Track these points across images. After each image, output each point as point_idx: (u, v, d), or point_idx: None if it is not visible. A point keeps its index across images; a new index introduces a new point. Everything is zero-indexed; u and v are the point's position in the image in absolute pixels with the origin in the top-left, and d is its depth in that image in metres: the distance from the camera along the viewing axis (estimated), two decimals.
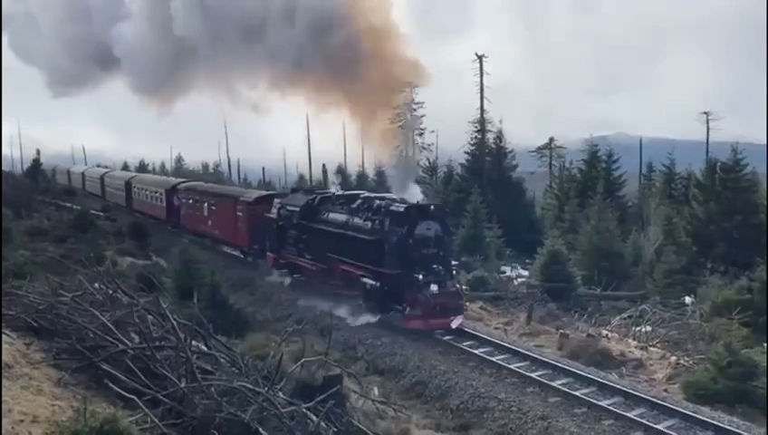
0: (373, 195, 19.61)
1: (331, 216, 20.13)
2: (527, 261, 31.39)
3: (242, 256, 28.86)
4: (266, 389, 8.20)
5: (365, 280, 17.68)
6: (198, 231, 32.89)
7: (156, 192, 39.22)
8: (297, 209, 21.66)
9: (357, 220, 18.63)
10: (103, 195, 52.87)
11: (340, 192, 22.15)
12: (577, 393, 13.23)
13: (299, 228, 21.51)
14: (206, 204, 31.47)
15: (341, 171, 53.64)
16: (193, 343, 9.08)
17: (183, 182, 38.66)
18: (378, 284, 17.19)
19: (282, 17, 21.95)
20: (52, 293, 10.45)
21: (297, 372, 9.57)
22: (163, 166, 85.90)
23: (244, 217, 26.75)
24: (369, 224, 18.04)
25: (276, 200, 24.14)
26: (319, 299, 20.17)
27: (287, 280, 23.18)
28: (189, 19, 24.92)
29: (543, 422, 12.20)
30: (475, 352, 15.94)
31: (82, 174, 64.80)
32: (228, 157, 74.65)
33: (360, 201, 19.20)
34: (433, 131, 55.88)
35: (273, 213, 23.54)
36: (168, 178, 46.17)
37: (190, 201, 33.64)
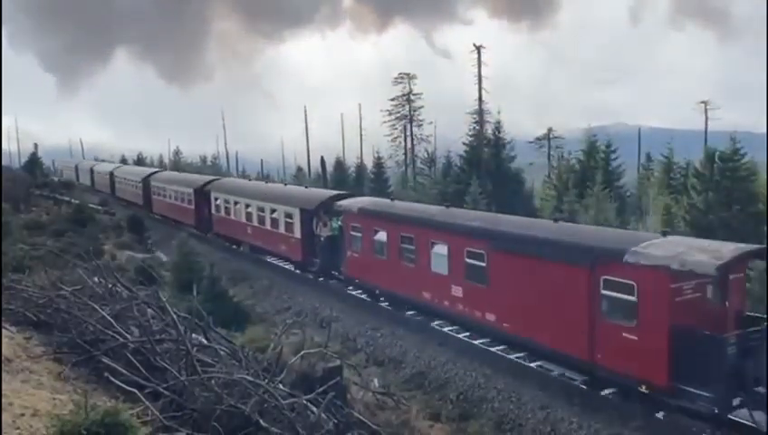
0: None
1: None
2: None
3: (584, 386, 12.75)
4: (266, 381, 8.22)
5: None
6: (418, 301, 17.11)
7: (273, 210, 24.68)
8: None
9: None
10: (148, 205, 39.77)
11: None
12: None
13: None
14: (446, 247, 15.91)
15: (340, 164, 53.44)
16: (193, 335, 9.11)
17: (344, 196, 22.37)
18: None
19: None
20: (52, 287, 10.51)
21: (297, 363, 9.62)
22: (161, 159, 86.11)
23: (651, 314, 11.14)
24: None
25: None
26: None
27: None
28: None
29: None
30: None
31: (111, 174, 50.82)
32: (227, 149, 74.70)
33: None
34: (431, 122, 56.16)
35: None
36: (300, 189, 27.89)
37: (385, 237, 18.17)
